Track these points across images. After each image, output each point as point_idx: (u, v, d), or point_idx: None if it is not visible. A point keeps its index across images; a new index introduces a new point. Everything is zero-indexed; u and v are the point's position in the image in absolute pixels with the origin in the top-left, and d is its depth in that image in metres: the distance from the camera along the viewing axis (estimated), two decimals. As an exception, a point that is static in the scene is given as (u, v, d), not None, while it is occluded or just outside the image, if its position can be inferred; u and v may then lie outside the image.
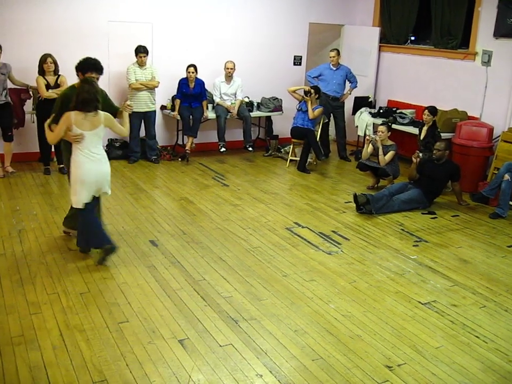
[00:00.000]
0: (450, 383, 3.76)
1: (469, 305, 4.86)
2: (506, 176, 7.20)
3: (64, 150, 5.58)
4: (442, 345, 4.21)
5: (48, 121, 5.26)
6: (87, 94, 5.00)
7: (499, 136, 8.26)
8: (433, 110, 8.12)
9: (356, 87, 9.79)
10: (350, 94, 9.83)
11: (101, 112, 5.12)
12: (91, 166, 5.13)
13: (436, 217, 7.12)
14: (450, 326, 4.50)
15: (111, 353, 3.88)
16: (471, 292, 5.12)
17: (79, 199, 5.15)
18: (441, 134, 8.16)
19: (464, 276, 5.44)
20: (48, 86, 7.61)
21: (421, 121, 8.48)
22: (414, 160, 7.63)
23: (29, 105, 8.19)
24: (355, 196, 7.06)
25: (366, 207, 7.00)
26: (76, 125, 5.01)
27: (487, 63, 8.60)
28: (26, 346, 3.92)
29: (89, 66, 5.40)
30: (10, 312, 4.35)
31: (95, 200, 5.37)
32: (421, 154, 7.61)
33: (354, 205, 7.09)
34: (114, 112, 5.57)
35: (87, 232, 5.32)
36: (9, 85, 7.72)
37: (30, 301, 4.53)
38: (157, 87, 8.77)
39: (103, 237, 5.30)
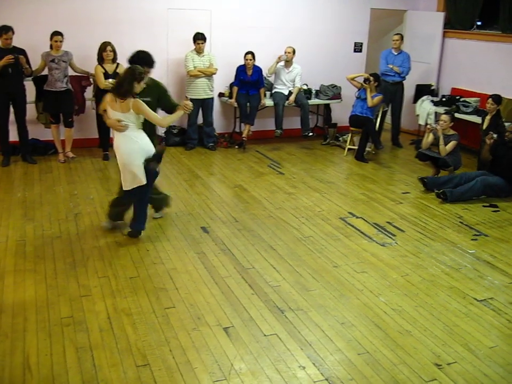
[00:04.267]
0: (503, 384, 3.59)
1: (528, 304, 4.63)
2: None
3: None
4: (497, 345, 4.01)
5: None
6: (119, 78, 5.24)
7: None
8: (497, 99, 7.78)
9: (403, 73, 9.43)
10: (394, 70, 9.42)
11: (131, 99, 5.05)
12: (121, 149, 5.27)
13: (498, 211, 6.82)
14: (507, 325, 4.29)
15: (156, 338, 3.90)
16: (532, 289, 4.88)
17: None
18: (506, 124, 7.80)
19: (525, 272, 5.20)
20: (106, 75, 7.72)
21: (485, 110, 8.14)
22: (487, 141, 7.35)
23: (89, 92, 8.37)
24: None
25: (442, 192, 6.98)
26: (109, 105, 5.16)
27: (558, 49, 8.17)
28: (74, 327, 3.99)
29: (139, 61, 5.37)
30: (61, 294, 4.44)
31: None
32: (495, 135, 7.30)
33: (412, 194, 6.91)
34: (171, 108, 5.51)
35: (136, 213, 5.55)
36: (70, 72, 7.88)
37: (81, 284, 4.61)
38: (214, 74, 8.78)
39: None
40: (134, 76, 5.02)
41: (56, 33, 7.52)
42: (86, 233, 5.61)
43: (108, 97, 5.18)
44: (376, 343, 3.96)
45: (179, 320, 4.14)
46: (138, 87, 5.06)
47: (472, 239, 5.90)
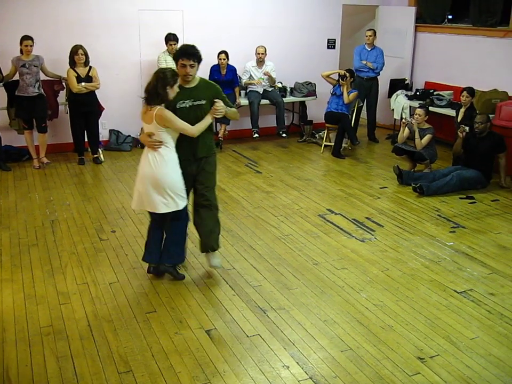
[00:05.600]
0: (486, 376, 3.61)
1: (507, 294, 4.66)
2: (549, 159, 6.91)
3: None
4: (478, 336, 4.05)
5: None
6: (148, 84, 4.40)
7: (542, 116, 7.94)
8: (471, 91, 7.87)
9: (377, 69, 9.49)
10: (368, 66, 9.47)
11: (157, 107, 4.31)
12: (141, 165, 4.55)
13: (475, 202, 6.88)
14: (487, 316, 4.33)
15: (138, 343, 3.86)
16: (510, 280, 4.91)
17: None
18: (477, 115, 7.87)
19: (503, 263, 5.24)
20: (79, 78, 7.64)
21: (459, 103, 8.22)
22: (460, 135, 7.41)
23: (62, 97, 8.26)
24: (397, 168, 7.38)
25: (418, 186, 7.03)
26: (141, 117, 4.47)
27: (528, 40, 8.26)
28: (54, 336, 3.93)
29: (179, 53, 4.53)
30: (40, 302, 4.38)
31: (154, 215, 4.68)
32: (467, 128, 7.36)
33: (390, 189, 6.95)
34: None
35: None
36: (42, 76, 7.77)
37: (60, 291, 4.55)
38: (188, 74, 8.71)
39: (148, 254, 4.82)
40: (166, 80, 4.30)
41: (26, 38, 7.41)
42: (63, 240, 5.54)
43: (142, 107, 4.48)
44: (358, 339, 3.97)
45: (161, 324, 4.10)
46: (172, 92, 4.33)
47: (450, 232, 5.94)
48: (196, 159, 4.66)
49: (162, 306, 4.34)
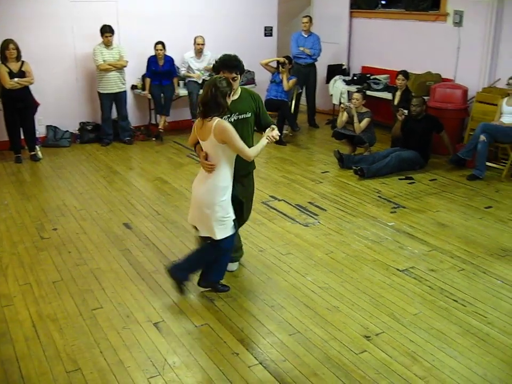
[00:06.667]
0: (429, 349, 3.73)
1: (447, 270, 4.83)
2: (482, 137, 7.14)
3: None
4: (421, 312, 4.18)
5: None
6: (202, 95, 3.99)
7: (474, 97, 8.20)
8: (406, 74, 8.07)
9: (315, 55, 9.61)
10: (305, 52, 9.55)
11: (215, 119, 3.92)
12: (195, 184, 4.27)
13: (414, 182, 7.07)
14: (428, 291, 4.47)
15: (85, 341, 3.81)
16: (449, 255, 5.09)
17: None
18: (413, 98, 8.07)
19: (442, 240, 5.41)
20: (11, 74, 7.42)
21: (395, 86, 8.40)
22: (399, 117, 7.59)
23: (-6, 93, 7.99)
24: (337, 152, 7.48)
25: (359, 169, 7.15)
26: (196, 132, 4.07)
27: (458, 23, 8.49)
28: (-3, 340, 3.84)
29: (218, 65, 4.22)
30: (-19, 306, 4.26)
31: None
32: (406, 111, 7.54)
33: (331, 173, 7.06)
34: (267, 126, 4.32)
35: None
36: (-28, 73, 7.50)
37: (2, 293, 4.43)
38: (125, 66, 8.59)
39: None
40: (224, 89, 3.90)
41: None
42: (2, 240, 5.39)
43: (196, 122, 4.09)
44: (306, 322, 4.03)
45: (108, 320, 4.06)
46: (229, 102, 4.00)
47: (391, 212, 6.09)
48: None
49: (108, 302, 4.29)
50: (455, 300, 4.34)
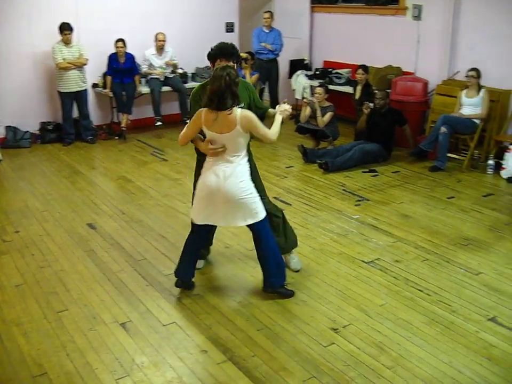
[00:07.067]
0: (395, 339, 3.78)
1: (411, 260, 4.90)
2: (443, 129, 7.26)
3: (197, 165, 4.44)
4: (387, 302, 4.23)
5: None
6: (215, 86, 3.77)
7: (434, 89, 8.32)
8: (365, 68, 8.15)
9: (276, 50, 9.62)
10: (267, 48, 9.57)
11: (237, 110, 3.86)
12: (212, 180, 4.00)
13: (377, 175, 7.15)
14: (393, 282, 4.53)
15: (51, 344, 3.75)
16: (413, 246, 5.16)
17: (192, 213, 4.26)
18: (376, 92, 8.15)
19: (406, 231, 5.49)
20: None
21: (356, 80, 8.47)
22: (365, 111, 7.64)
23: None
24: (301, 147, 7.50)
25: (324, 163, 7.18)
26: (206, 125, 3.91)
27: (417, 17, 8.60)
28: (-40, 347, 3.75)
29: (215, 53, 4.14)
30: None
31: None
32: (371, 105, 7.61)
33: (296, 167, 7.08)
34: (263, 113, 4.36)
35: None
36: None
37: (-37, 299, 4.34)
38: (86, 64, 8.48)
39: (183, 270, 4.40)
40: (234, 79, 3.78)
41: None
42: (-38, 245, 5.27)
43: (203, 114, 3.89)
44: (274, 317, 4.04)
45: (73, 322, 4.00)
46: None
47: (355, 205, 6.15)
48: None
49: (74, 304, 4.23)
50: (420, 290, 4.40)
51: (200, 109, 3.91)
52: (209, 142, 3.96)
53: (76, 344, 3.75)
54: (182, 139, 4.06)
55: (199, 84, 4.48)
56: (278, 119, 4.13)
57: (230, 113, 3.81)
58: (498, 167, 7.18)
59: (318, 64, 10.36)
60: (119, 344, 3.75)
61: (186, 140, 4.06)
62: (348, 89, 9.00)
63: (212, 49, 4.19)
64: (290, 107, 4.22)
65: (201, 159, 4.25)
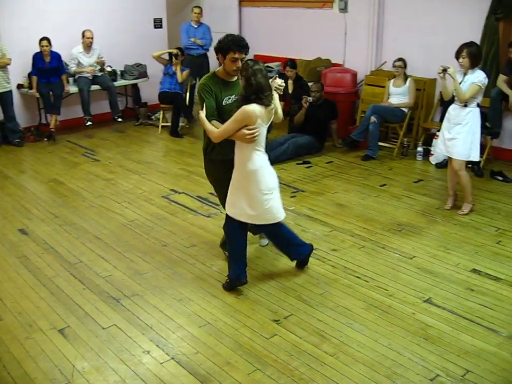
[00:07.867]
0: (336, 326, 3.84)
1: (348, 248, 4.99)
2: (373, 118, 7.43)
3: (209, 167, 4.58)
4: (326, 291, 4.29)
5: (202, 114, 4.08)
6: (262, 84, 3.84)
7: (362, 80, 8.49)
8: (293, 64, 8.21)
9: (206, 45, 9.59)
10: (197, 43, 9.52)
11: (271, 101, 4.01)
12: (238, 180, 4.17)
13: (311, 166, 7.24)
14: (331, 271, 4.60)
15: (-15, 356, 3.61)
16: (349, 234, 5.26)
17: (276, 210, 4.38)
18: (308, 84, 8.25)
19: (341, 220, 5.58)
20: None
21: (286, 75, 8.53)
22: (304, 105, 7.68)
23: None
24: None
25: None
26: (262, 119, 3.93)
27: (344, 9, 8.74)
28: None
29: (229, 46, 4.07)
30: None
31: None
32: (310, 99, 7.65)
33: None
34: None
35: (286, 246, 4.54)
36: None
37: None
38: (9, 64, 8.16)
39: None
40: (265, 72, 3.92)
41: None
42: None
43: (257, 111, 3.86)
44: (215, 312, 4.03)
45: (8, 332, 3.86)
46: None
47: (291, 197, 6.20)
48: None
49: (8, 313, 4.08)
50: (357, 277, 4.49)
51: (248, 106, 3.85)
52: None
53: (12, 354, 3.62)
54: (223, 135, 3.98)
55: (204, 75, 4.43)
56: (276, 97, 4.12)
57: (272, 108, 4.01)
58: (427, 153, 7.42)
59: (248, 58, 10.33)
60: (58, 351, 3.64)
61: (226, 137, 3.99)
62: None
63: (221, 42, 4.15)
64: (283, 81, 4.18)
65: (215, 159, 4.35)
